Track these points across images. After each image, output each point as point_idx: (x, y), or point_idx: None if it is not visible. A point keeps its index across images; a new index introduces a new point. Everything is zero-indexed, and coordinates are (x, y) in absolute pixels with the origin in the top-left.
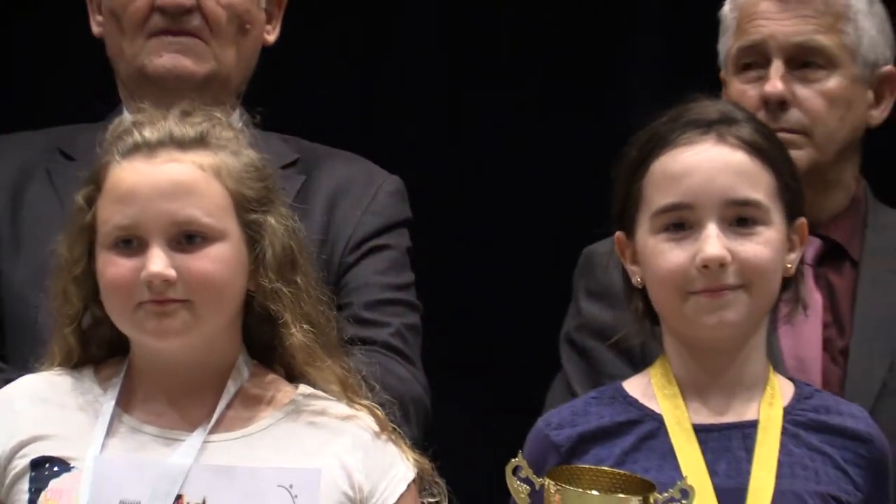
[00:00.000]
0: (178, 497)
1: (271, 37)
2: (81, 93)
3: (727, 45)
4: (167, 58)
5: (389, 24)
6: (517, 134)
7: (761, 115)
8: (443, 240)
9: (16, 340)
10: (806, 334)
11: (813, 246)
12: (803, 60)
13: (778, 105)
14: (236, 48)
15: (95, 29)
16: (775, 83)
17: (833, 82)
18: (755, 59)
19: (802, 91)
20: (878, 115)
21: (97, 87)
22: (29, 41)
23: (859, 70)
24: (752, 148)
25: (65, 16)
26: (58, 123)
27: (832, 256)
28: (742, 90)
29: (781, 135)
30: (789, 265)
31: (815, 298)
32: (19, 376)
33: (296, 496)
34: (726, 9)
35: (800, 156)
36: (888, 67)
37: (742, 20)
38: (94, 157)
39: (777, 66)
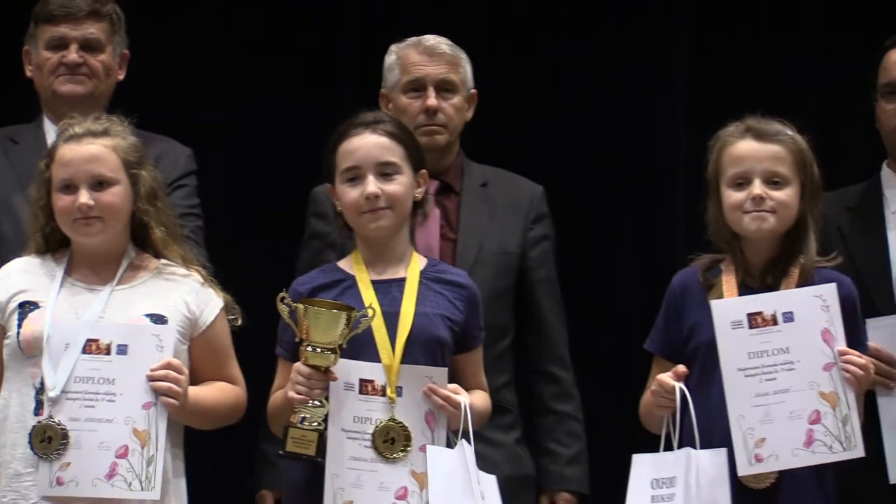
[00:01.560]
0: (95, 340)
1: (121, 76)
2: (21, 106)
3: (395, 78)
4: (68, 86)
5: None
6: None
7: (421, 118)
8: None
9: None
10: (430, 232)
11: (434, 184)
12: (443, 88)
13: (433, 112)
14: (105, 84)
15: (28, 73)
16: (432, 100)
17: (456, 100)
18: (416, 87)
19: (443, 104)
20: (469, 115)
21: (30, 103)
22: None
23: (465, 93)
24: (391, 135)
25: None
26: (7, 124)
27: (445, 190)
28: (408, 103)
29: (433, 128)
30: (417, 195)
31: (435, 212)
32: None
33: (159, 334)
34: (392, 59)
35: (441, 139)
36: (473, 91)
37: (405, 65)
38: (28, 140)
39: (431, 91)
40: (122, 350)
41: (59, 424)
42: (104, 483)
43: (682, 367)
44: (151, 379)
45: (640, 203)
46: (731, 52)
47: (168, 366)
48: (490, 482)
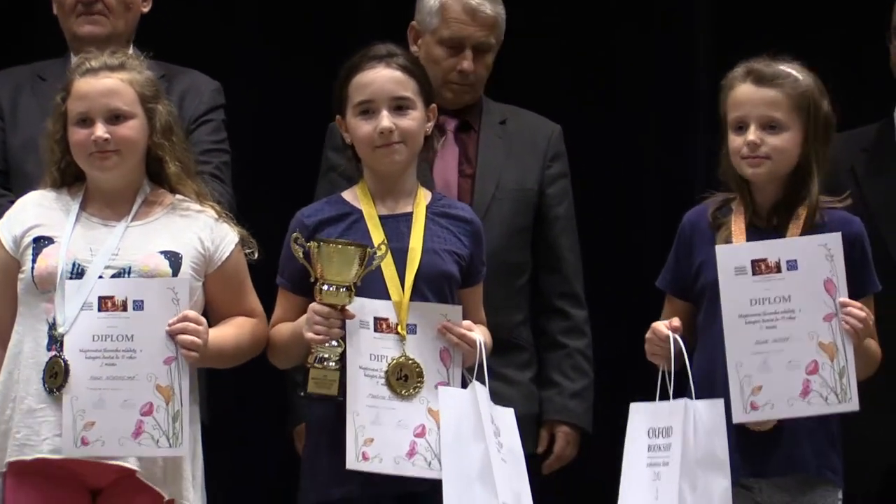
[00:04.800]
0: (110, 297)
1: (146, 8)
2: (49, 42)
3: (434, 25)
4: (86, 27)
5: None
6: None
7: (454, 75)
8: None
9: (17, 181)
10: (447, 167)
11: (454, 122)
12: (480, 49)
13: (468, 73)
14: (124, 20)
15: (55, 12)
16: (469, 64)
17: (489, 58)
18: (454, 45)
19: (477, 65)
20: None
21: (58, 39)
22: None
23: (497, 47)
24: (405, 69)
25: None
26: (37, 59)
27: (464, 128)
28: (443, 57)
29: (464, 87)
30: (427, 129)
31: (453, 148)
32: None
33: (174, 287)
34: (434, 3)
35: (469, 98)
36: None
37: (446, 17)
38: (56, 77)
39: (468, 53)
40: (139, 305)
41: (63, 359)
42: (131, 441)
43: (676, 320)
44: (171, 333)
45: (659, 142)
46: None
47: (185, 318)
48: (507, 415)
